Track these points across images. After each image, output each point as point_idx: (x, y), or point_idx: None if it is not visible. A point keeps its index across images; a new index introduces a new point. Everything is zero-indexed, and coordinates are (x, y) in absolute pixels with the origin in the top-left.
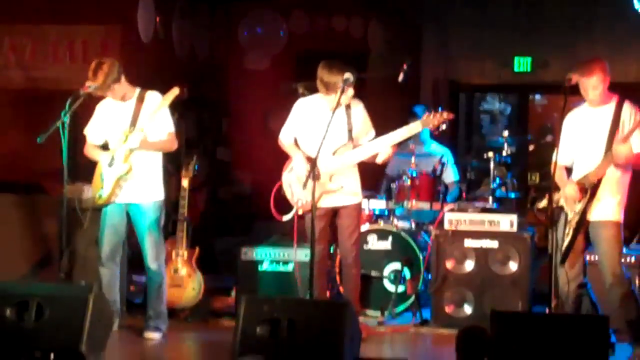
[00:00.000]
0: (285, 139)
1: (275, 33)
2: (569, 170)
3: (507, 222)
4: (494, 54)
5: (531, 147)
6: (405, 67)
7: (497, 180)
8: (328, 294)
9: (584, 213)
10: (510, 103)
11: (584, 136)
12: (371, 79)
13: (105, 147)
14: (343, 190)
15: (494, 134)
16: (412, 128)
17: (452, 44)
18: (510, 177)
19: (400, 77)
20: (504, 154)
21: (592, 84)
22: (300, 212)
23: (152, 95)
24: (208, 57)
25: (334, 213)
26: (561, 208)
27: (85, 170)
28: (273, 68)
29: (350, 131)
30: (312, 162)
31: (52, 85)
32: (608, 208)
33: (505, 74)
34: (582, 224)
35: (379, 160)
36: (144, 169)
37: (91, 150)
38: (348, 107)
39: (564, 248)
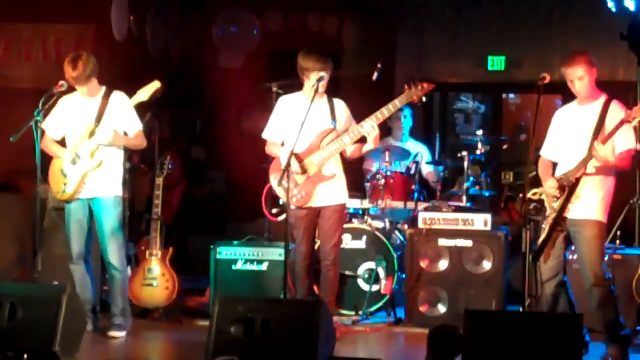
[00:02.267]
0: (271, 137)
1: (249, 31)
2: (554, 166)
3: (481, 220)
4: (467, 53)
5: (505, 146)
6: (379, 65)
7: (471, 179)
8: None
9: (560, 211)
10: (484, 102)
11: (569, 133)
12: (345, 78)
13: (62, 142)
14: (330, 186)
15: (468, 132)
16: (397, 103)
17: (426, 42)
18: (484, 175)
19: (374, 76)
20: (478, 152)
21: (577, 74)
22: (296, 205)
23: (118, 95)
24: (182, 56)
25: (318, 213)
26: (542, 202)
27: None
28: (247, 67)
29: (334, 120)
30: (289, 156)
31: (25, 84)
32: (589, 207)
33: (479, 73)
34: (559, 222)
35: (368, 145)
36: (106, 164)
37: (50, 145)
38: (330, 100)
39: (539, 244)
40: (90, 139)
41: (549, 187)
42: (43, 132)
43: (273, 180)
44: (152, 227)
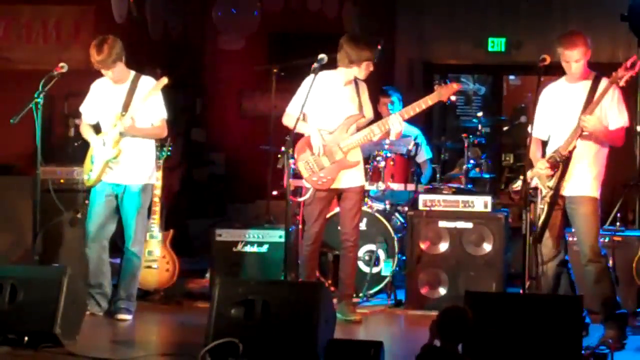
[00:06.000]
0: (294, 112)
1: (249, 13)
2: (544, 145)
3: (481, 202)
4: (468, 34)
5: (505, 128)
6: (379, 47)
7: (472, 161)
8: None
9: (557, 189)
10: (484, 84)
11: (559, 111)
12: None
13: (97, 127)
14: (351, 170)
15: (468, 114)
16: (429, 101)
17: (426, 24)
18: (485, 157)
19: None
20: (478, 134)
21: (575, 56)
22: (319, 188)
23: (145, 80)
24: (182, 38)
25: (336, 196)
26: (536, 188)
27: (59, 151)
28: (247, 48)
29: (361, 107)
30: (290, 141)
31: (25, 66)
32: (584, 183)
33: (479, 54)
34: (556, 200)
35: (392, 136)
36: (135, 152)
37: (85, 130)
38: (357, 84)
39: (539, 225)
40: (115, 127)
41: (541, 168)
42: (30, 113)
43: (302, 160)
44: (153, 210)
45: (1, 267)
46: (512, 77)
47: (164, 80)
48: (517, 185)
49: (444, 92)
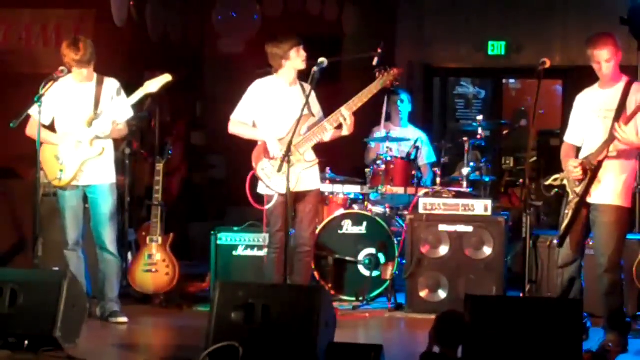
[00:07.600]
0: (242, 118)
1: (249, 17)
2: (578, 151)
3: (481, 206)
4: (468, 38)
5: (505, 132)
6: (379, 50)
7: (472, 164)
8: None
9: (583, 196)
10: (484, 87)
11: (591, 117)
12: (345, 63)
13: (49, 127)
14: (309, 172)
15: (468, 118)
16: (372, 88)
17: (426, 27)
18: (485, 161)
19: (375, 61)
20: (479, 138)
21: (605, 56)
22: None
23: (111, 81)
24: (182, 41)
25: (295, 199)
26: (563, 187)
27: None
28: (247, 52)
29: (310, 108)
30: (288, 145)
31: (25, 70)
32: (608, 191)
33: (479, 58)
34: (582, 206)
35: (345, 131)
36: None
37: (36, 130)
38: (302, 85)
39: (562, 229)
40: (89, 127)
41: (572, 166)
42: (29, 117)
43: (260, 167)
44: (153, 213)
45: (1, 270)
46: (512, 80)
47: (167, 77)
48: (551, 180)
49: (386, 79)
